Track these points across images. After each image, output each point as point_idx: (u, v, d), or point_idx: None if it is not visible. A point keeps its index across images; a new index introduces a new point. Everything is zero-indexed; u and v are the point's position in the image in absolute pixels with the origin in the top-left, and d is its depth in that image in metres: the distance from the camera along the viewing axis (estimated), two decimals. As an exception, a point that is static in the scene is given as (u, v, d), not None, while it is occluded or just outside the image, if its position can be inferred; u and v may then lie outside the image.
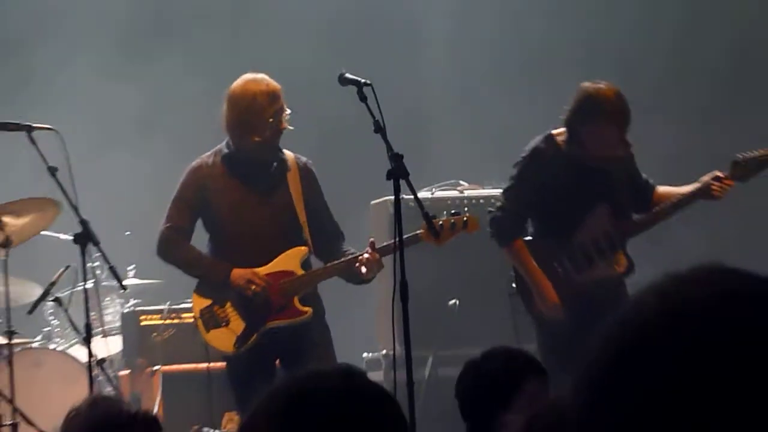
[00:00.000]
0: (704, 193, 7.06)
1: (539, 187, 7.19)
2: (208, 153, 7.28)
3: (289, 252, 7.12)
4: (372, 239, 7.10)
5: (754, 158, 7.27)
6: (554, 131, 7.22)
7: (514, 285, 7.50)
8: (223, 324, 7.14)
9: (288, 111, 7.10)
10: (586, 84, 7.15)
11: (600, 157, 7.12)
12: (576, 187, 7.18)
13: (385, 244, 7.03)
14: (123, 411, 3.94)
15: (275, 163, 7.19)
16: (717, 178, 7.25)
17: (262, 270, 7.08)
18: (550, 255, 7.28)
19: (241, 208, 7.15)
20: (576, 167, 7.16)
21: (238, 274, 7.05)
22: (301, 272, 7.11)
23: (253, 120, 6.97)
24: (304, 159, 7.27)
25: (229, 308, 7.14)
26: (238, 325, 7.13)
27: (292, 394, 2.39)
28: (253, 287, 7.03)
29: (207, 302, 7.20)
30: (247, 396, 6.82)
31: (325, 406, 2.34)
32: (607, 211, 7.28)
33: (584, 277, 7.27)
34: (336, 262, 7.10)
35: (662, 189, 7.47)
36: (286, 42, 10.86)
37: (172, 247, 7.24)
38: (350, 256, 7.06)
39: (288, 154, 7.25)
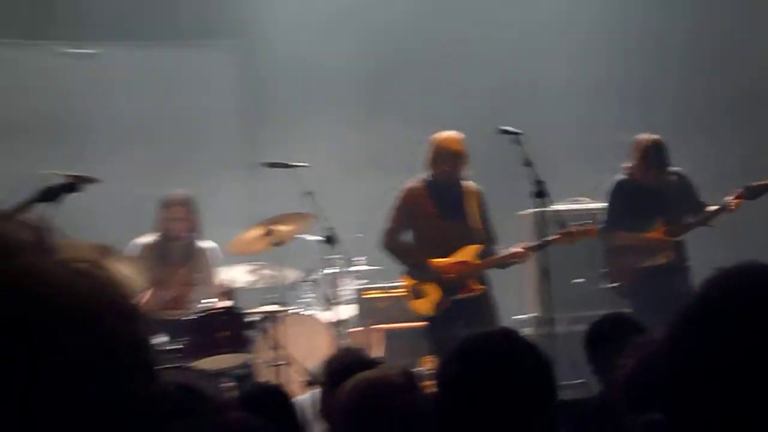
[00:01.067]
0: (724, 209, 8.55)
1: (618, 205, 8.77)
2: (414, 179, 8.54)
3: (467, 247, 8.44)
4: (522, 242, 8.47)
5: (763, 185, 8.61)
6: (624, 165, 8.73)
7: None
8: (424, 296, 8.45)
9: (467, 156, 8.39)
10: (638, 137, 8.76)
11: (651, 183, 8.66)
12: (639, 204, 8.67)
13: (532, 244, 8.36)
14: (365, 357, 4.66)
15: (459, 189, 8.50)
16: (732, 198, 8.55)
17: (450, 259, 8.37)
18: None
19: (438, 218, 8.46)
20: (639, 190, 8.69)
21: (436, 262, 8.38)
22: (476, 262, 8.45)
23: (446, 161, 8.36)
24: (477, 186, 8.55)
25: (428, 285, 8.40)
26: (435, 297, 8.38)
27: (468, 346, 3.00)
28: (446, 274, 8.32)
29: (413, 281, 8.50)
30: (440, 345, 7.88)
31: (491, 353, 2.93)
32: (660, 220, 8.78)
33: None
34: (498, 256, 8.45)
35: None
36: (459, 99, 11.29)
37: (392, 244, 8.54)
38: (506, 252, 8.39)
39: (468, 182, 8.52)
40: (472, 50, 11.95)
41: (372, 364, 4.21)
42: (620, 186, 8.85)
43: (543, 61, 12.00)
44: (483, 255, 8.49)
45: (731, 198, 8.66)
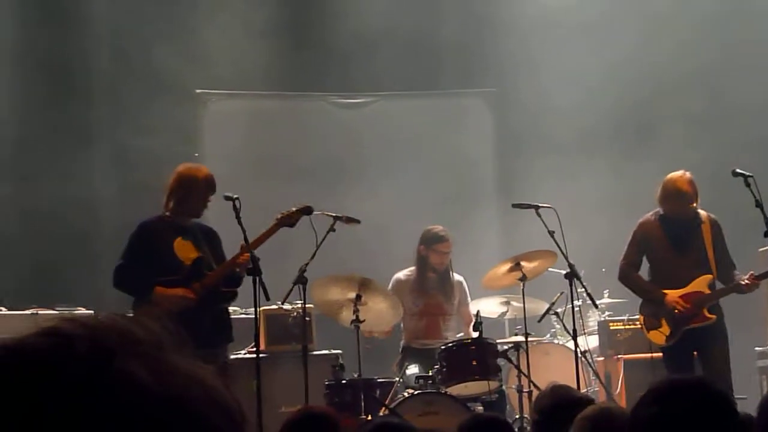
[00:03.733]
0: (738, 288, 8.18)
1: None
2: (650, 213, 8.50)
3: (700, 278, 8.30)
4: (752, 272, 8.19)
5: None
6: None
7: None
8: (658, 327, 8.38)
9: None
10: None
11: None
12: None
13: (763, 271, 8.17)
14: (571, 396, 4.45)
15: (690, 222, 8.37)
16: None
17: (683, 291, 8.26)
18: None
19: (670, 250, 8.39)
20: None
21: (671, 297, 8.26)
22: (708, 291, 8.30)
23: (672, 198, 8.29)
24: (713, 216, 8.39)
25: (661, 318, 8.33)
26: (666, 328, 8.31)
27: (664, 390, 2.88)
28: (679, 307, 8.22)
29: (648, 313, 8.42)
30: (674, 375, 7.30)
31: (688, 399, 2.80)
32: None
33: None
34: (727, 286, 8.25)
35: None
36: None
37: (628, 277, 8.53)
38: (734, 284, 8.16)
39: (702, 212, 8.37)
40: (733, 102, 11.69)
41: (581, 401, 4.23)
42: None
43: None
44: (718, 283, 8.38)
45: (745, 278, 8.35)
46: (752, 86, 11.56)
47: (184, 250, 7.57)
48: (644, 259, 8.55)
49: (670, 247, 8.38)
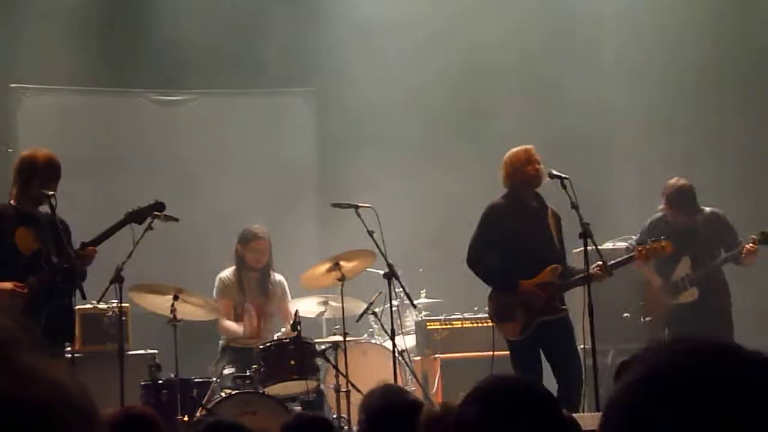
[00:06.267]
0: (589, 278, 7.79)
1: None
2: (498, 197, 8.12)
3: (550, 268, 7.97)
4: (600, 262, 7.85)
5: None
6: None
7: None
8: (511, 320, 7.99)
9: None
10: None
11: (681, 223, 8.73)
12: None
13: (612, 262, 7.97)
14: (403, 398, 4.40)
15: (540, 206, 8.11)
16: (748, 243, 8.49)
17: (534, 281, 7.93)
18: None
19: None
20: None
21: (526, 286, 7.93)
22: (558, 283, 8.03)
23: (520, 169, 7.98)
24: (553, 207, 8.14)
25: (514, 308, 7.95)
26: (520, 320, 7.93)
27: (486, 390, 2.82)
28: (535, 295, 7.89)
29: (500, 304, 8.04)
30: (525, 369, 7.63)
31: (508, 399, 2.78)
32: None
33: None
34: (579, 276, 7.89)
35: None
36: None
37: (480, 262, 8.03)
38: (584, 274, 7.76)
39: (546, 202, 8.15)
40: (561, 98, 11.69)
41: (414, 404, 4.22)
42: (652, 225, 8.94)
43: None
44: (562, 276, 8.07)
45: (746, 244, 8.67)
46: (577, 80, 11.66)
47: (26, 240, 7.19)
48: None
49: (520, 233, 7.96)
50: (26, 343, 1.08)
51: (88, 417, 1.07)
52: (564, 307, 8.01)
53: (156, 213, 7.47)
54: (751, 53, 11.47)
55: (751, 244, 8.68)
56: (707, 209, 9.04)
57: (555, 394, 7.14)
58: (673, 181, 9.05)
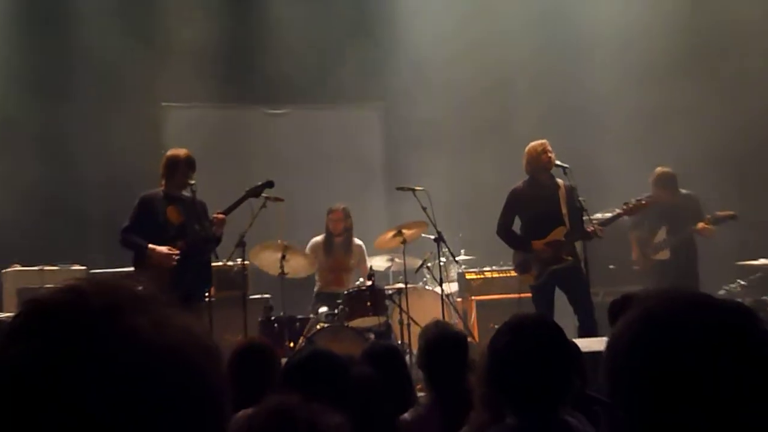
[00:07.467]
0: (586, 235, 7.70)
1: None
2: (518, 183, 7.97)
3: (557, 229, 7.86)
4: (596, 221, 7.80)
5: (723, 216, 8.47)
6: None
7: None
8: (528, 271, 7.94)
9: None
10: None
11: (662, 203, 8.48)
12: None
13: (604, 219, 7.93)
14: (452, 330, 4.34)
15: (552, 185, 7.95)
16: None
17: (544, 241, 7.82)
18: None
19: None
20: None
21: (536, 244, 7.82)
22: (563, 240, 7.84)
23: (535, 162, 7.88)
24: (569, 183, 7.84)
25: (530, 261, 7.89)
26: (534, 270, 7.86)
27: (516, 323, 2.79)
28: (544, 250, 7.79)
29: (520, 261, 8.01)
30: (542, 308, 7.56)
31: (534, 333, 2.74)
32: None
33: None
34: (577, 233, 7.73)
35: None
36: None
37: (506, 232, 7.99)
38: (582, 231, 7.67)
39: (559, 180, 7.97)
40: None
41: (458, 334, 4.24)
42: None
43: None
44: (570, 234, 7.85)
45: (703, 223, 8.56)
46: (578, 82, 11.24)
47: (174, 215, 7.24)
48: (516, 218, 8.09)
49: (535, 207, 7.84)
50: (164, 298, 1.05)
51: (212, 355, 1.03)
52: (570, 257, 7.77)
53: (267, 190, 7.39)
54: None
55: (703, 224, 8.61)
56: (684, 191, 8.92)
57: (576, 323, 7.44)
58: (659, 169, 8.97)
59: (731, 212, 8.58)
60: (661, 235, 8.93)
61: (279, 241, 8.45)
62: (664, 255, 8.87)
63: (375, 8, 11.49)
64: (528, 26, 11.34)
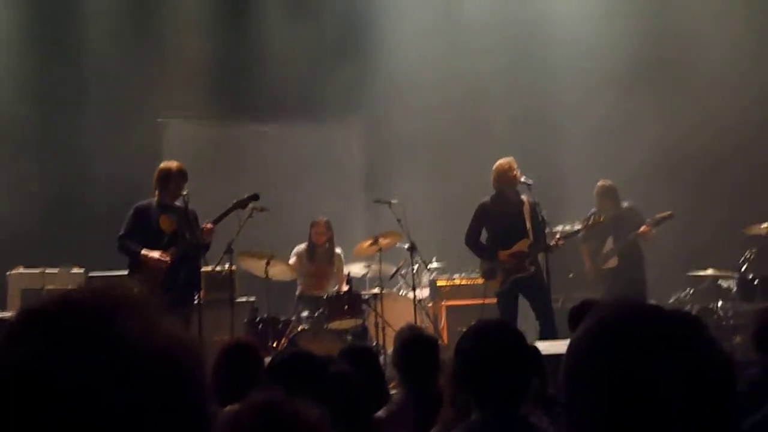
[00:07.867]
0: (548, 248, 7.69)
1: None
2: (486, 198, 7.88)
3: (521, 241, 7.81)
4: (558, 236, 7.89)
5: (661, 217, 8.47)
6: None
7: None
8: (494, 278, 7.88)
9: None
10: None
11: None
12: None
13: (566, 233, 8.04)
14: (425, 333, 4.43)
15: (517, 201, 7.89)
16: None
17: (509, 251, 7.80)
18: None
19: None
20: None
21: (502, 254, 7.80)
22: (526, 251, 7.80)
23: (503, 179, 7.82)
24: (532, 199, 7.79)
25: (495, 270, 7.84)
26: (499, 277, 7.81)
27: (480, 328, 2.80)
28: (508, 260, 7.76)
29: (486, 269, 7.96)
30: (505, 313, 7.48)
31: (496, 337, 2.75)
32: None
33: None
34: (539, 246, 7.68)
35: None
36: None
37: (474, 243, 7.92)
38: (544, 244, 7.60)
39: (523, 196, 7.91)
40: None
41: (430, 338, 4.28)
42: (591, 214, 8.57)
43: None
44: (533, 246, 7.82)
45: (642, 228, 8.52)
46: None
47: (166, 223, 7.17)
48: (483, 230, 8.05)
49: (501, 220, 7.82)
50: (153, 304, 1.04)
51: (196, 358, 1.03)
52: (532, 267, 7.74)
53: (253, 201, 7.30)
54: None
55: (645, 227, 8.58)
56: (625, 203, 8.87)
57: (538, 328, 7.43)
58: (601, 182, 8.88)
59: (668, 212, 8.52)
60: (609, 245, 8.93)
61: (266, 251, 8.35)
62: (613, 263, 8.85)
63: (357, 29, 11.35)
64: (500, 46, 11.23)
